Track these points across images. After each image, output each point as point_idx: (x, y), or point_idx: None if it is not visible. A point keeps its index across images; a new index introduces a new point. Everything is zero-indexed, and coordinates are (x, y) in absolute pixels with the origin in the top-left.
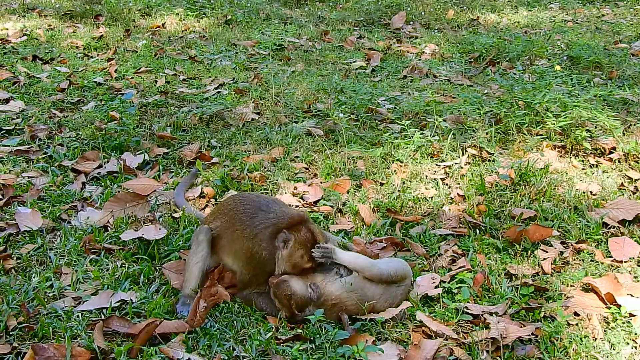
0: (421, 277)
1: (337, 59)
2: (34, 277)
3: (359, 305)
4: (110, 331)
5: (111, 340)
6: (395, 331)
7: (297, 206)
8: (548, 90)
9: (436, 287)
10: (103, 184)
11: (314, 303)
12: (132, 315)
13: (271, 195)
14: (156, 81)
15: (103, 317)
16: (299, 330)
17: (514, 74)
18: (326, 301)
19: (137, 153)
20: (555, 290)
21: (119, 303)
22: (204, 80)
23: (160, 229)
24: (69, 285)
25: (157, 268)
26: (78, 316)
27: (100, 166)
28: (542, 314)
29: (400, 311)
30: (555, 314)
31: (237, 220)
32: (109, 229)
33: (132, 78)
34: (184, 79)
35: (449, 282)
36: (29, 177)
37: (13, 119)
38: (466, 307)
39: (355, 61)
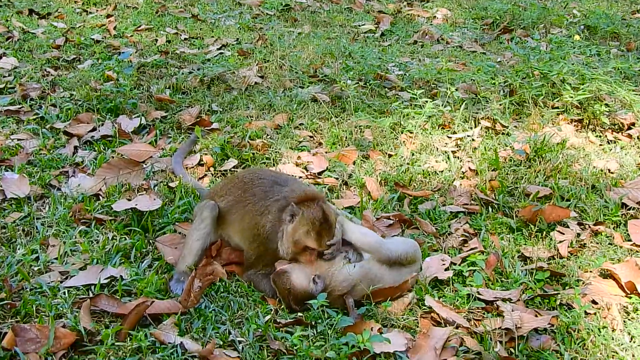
0: (430, 258)
1: (345, 21)
2: (19, 249)
3: (368, 292)
4: (98, 310)
5: (99, 321)
6: (403, 318)
7: (300, 177)
8: (565, 61)
9: (446, 269)
10: (96, 148)
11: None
12: (122, 294)
13: (273, 165)
14: (156, 40)
15: (91, 295)
16: (299, 315)
17: (530, 42)
18: (333, 292)
19: (133, 116)
20: (572, 276)
21: (108, 279)
22: (206, 40)
23: (154, 199)
24: (56, 259)
25: (151, 242)
26: (64, 293)
27: (94, 129)
28: (558, 302)
29: (411, 298)
30: (573, 301)
31: (251, 194)
32: (100, 197)
33: (132, 36)
34: (185, 39)
35: (459, 265)
36: (18, 140)
37: (4, 77)
38: (478, 293)
39: (364, 24)
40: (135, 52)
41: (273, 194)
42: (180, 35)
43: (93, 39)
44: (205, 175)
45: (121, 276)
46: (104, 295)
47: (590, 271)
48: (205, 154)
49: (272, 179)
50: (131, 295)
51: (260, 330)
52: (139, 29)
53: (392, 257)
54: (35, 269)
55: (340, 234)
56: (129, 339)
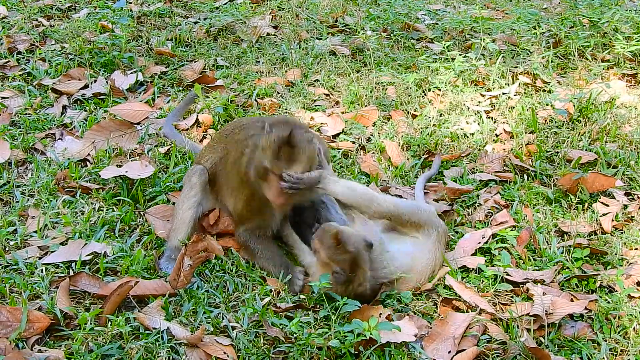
0: (470, 235)
1: None
2: None
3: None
4: (78, 291)
5: (78, 302)
6: (419, 302)
7: None
8: (618, 7)
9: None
10: (87, 108)
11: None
12: (106, 272)
13: None
14: None
15: (71, 273)
16: (301, 297)
17: None
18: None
19: (129, 72)
20: (616, 254)
21: (90, 256)
22: None
23: (146, 165)
24: (35, 232)
25: (141, 213)
26: (42, 270)
27: (85, 86)
28: (597, 284)
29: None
30: (614, 284)
31: (232, 143)
32: (88, 163)
33: None
34: None
35: (486, 243)
36: (1, 98)
37: None
38: (506, 273)
39: None
40: None
41: (251, 132)
42: None
43: None
44: (205, 137)
45: (105, 252)
46: (85, 274)
47: (637, 249)
48: (206, 115)
49: (254, 121)
50: (116, 274)
51: (256, 314)
52: None
53: (385, 212)
54: (12, 243)
55: (317, 178)
56: (109, 323)
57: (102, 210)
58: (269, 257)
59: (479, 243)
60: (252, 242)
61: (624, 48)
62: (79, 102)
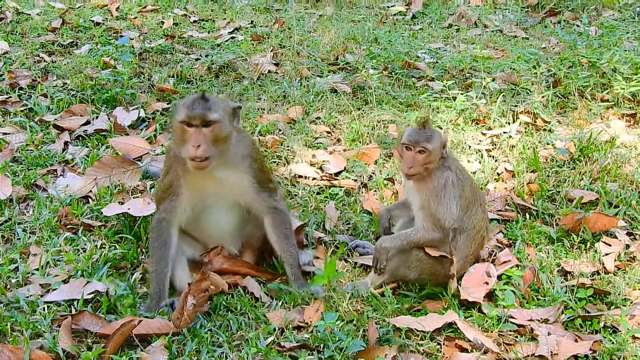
0: (474, 269)
1: (372, 2)
2: None
3: None
4: (80, 330)
5: (80, 341)
6: (423, 342)
7: (314, 179)
8: (617, 47)
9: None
10: (89, 144)
11: None
12: (108, 310)
13: (285, 164)
14: (162, 22)
15: (73, 312)
16: (305, 336)
17: (578, 26)
18: None
19: (131, 108)
20: (619, 295)
21: (92, 294)
22: (217, 23)
23: (149, 203)
24: (37, 270)
25: (143, 251)
26: (44, 309)
27: (87, 123)
28: (602, 324)
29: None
30: (618, 324)
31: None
32: (90, 200)
33: (135, 18)
34: (194, 21)
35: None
36: (3, 134)
37: None
38: (510, 316)
39: (393, 5)
40: (139, 36)
41: None
42: (190, 17)
43: (93, 21)
44: None
45: (107, 291)
46: (87, 313)
47: None
48: None
49: None
50: (118, 313)
51: (260, 354)
52: (144, 9)
53: None
54: (14, 280)
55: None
56: None
57: (104, 248)
58: (155, 261)
59: (486, 284)
60: (154, 233)
61: (624, 88)
62: (80, 138)
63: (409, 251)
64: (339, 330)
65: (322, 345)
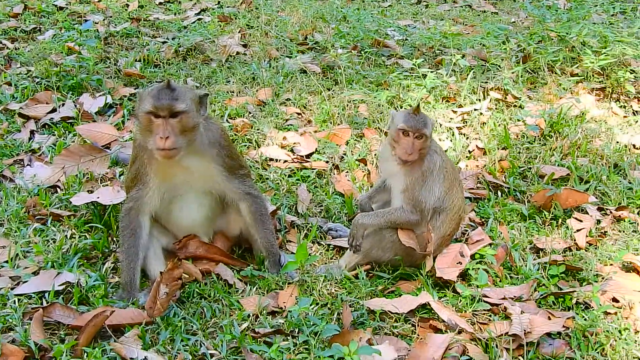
0: (446, 251)
1: None
2: None
3: None
4: (52, 322)
5: (52, 334)
6: (397, 324)
7: (285, 161)
8: (586, 21)
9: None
10: (56, 132)
11: None
12: (80, 301)
13: (255, 147)
14: (127, 5)
15: (44, 304)
16: (280, 321)
17: (546, 0)
18: None
19: (97, 95)
20: (591, 271)
21: (64, 285)
22: (183, 4)
23: (118, 191)
24: (6, 262)
25: (114, 240)
26: (14, 302)
27: (53, 110)
28: (574, 300)
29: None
30: (591, 300)
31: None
32: (59, 189)
33: (100, 1)
34: (160, 3)
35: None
36: None
37: None
38: (484, 295)
39: None
40: (103, 20)
41: None
42: None
43: (56, 6)
44: None
45: (78, 282)
46: (59, 305)
47: (611, 264)
48: None
49: None
50: (90, 304)
51: (235, 341)
52: None
53: None
54: None
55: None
56: (85, 355)
57: (75, 238)
58: (125, 250)
59: (459, 264)
60: (123, 221)
61: (593, 62)
62: (47, 126)
63: (383, 233)
64: (314, 314)
65: (296, 330)
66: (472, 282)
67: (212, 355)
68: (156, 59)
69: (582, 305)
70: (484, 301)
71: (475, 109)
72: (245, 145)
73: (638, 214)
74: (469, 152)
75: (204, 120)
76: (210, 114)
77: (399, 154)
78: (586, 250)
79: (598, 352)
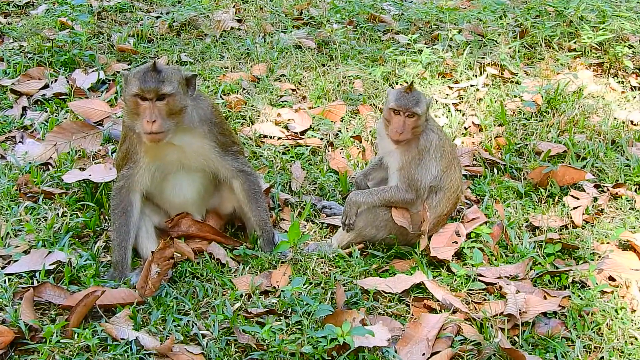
0: (442, 230)
1: None
2: None
3: None
4: (43, 302)
5: (43, 314)
6: (391, 304)
7: (279, 138)
8: None
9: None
10: (48, 108)
11: None
12: (71, 281)
13: (250, 124)
14: None
15: (35, 284)
16: (273, 301)
17: None
18: None
19: (90, 70)
20: (587, 249)
21: (55, 265)
22: None
23: (110, 168)
24: None
25: (106, 218)
26: (4, 281)
27: (46, 86)
28: (570, 279)
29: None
30: (587, 279)
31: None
32: (50, 167)
33: None
34: None
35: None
36: None
37: None
38: (479, 274)
39: None
40: None
41: None
42: None
43: None
44: None
45: (70, 261)
46: (49, 284)
47: (608, 242)
48: None
49: None
50: (81, 284)
51: (227, 321)
52: None
53: None
54: None
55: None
56: (76, 335)
57: (66, 216)
58: (116, 229)
59: (455, 244)
60: (115, 200)
61: (591, 38)
62: (39, 102)
63: (377, 211)
64: (307, 294)
65: (289, 310)
66: (467, 261)
67: (204, 336)
68: (150, 34)
69: (578, 284)
70: (479, 280)
71: (471, 85)
72: (239, 122)
73: (635, 191)
74: (465, 128)
75: (193, 99)
76: (203, 91)
77: (390, 133)
78: (582, 228)
79: (594, 332)
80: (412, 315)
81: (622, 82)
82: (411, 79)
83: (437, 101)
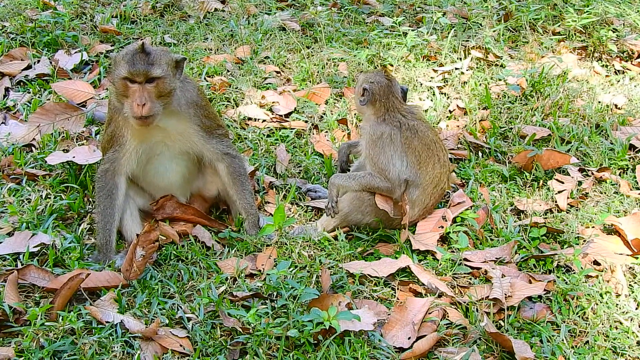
0: (429, 217)
1: None
2: None
3: None
4: (27, 284)
5: (27, 296)
6: (376, 288)
7: (264, 121)
8: None
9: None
10: (31, 89)
11: None
12: (55, 264)
13: (234, 106)
14: None
15: (19, 266)
16: (258, 284)
17: None
18: None
19: (73, 51)
20: (572, 233)
21: (39, 247)
22: None
23: (94, 150)
24: None
25: (90, 200)
26: None
27: (28, 67)
28: (555, 263)
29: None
30: (572, 263)
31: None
32: (34, 148)
33: None
34: None
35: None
36: None
37: None
38: (465, 259)
39: None
40: None
41: None
42: None
43: None
44: None
45: (54, 243)
46: (34, 267)
47: (593, 226)
48: None
49: None
50: (65, 267)
51: (212, 305)
52: None
53: None
54: None
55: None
56: (61, 318)
57: (50, 198)
58: (101, 212)
59: (441, 228)
60: (99, 183)
61: (575, 21)
62: (22, 83)
63: (362, 197)
64: (292, 277)
65: (275, 294)
66: (452, 245)
67: (189, 319)
68: (133, 15)
69: (563, 268)
70: (465, 264)
71: (456, 68)
72: (224, 104)
73: (620, 175)
74: (450, 112)
75: (180, 81)
76: (187, 73)
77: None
78: (567, 212)
79: (579, 316)
80: (398, 299)
81: (606, 66)
82: (396, 62)
83: (421, 84)
